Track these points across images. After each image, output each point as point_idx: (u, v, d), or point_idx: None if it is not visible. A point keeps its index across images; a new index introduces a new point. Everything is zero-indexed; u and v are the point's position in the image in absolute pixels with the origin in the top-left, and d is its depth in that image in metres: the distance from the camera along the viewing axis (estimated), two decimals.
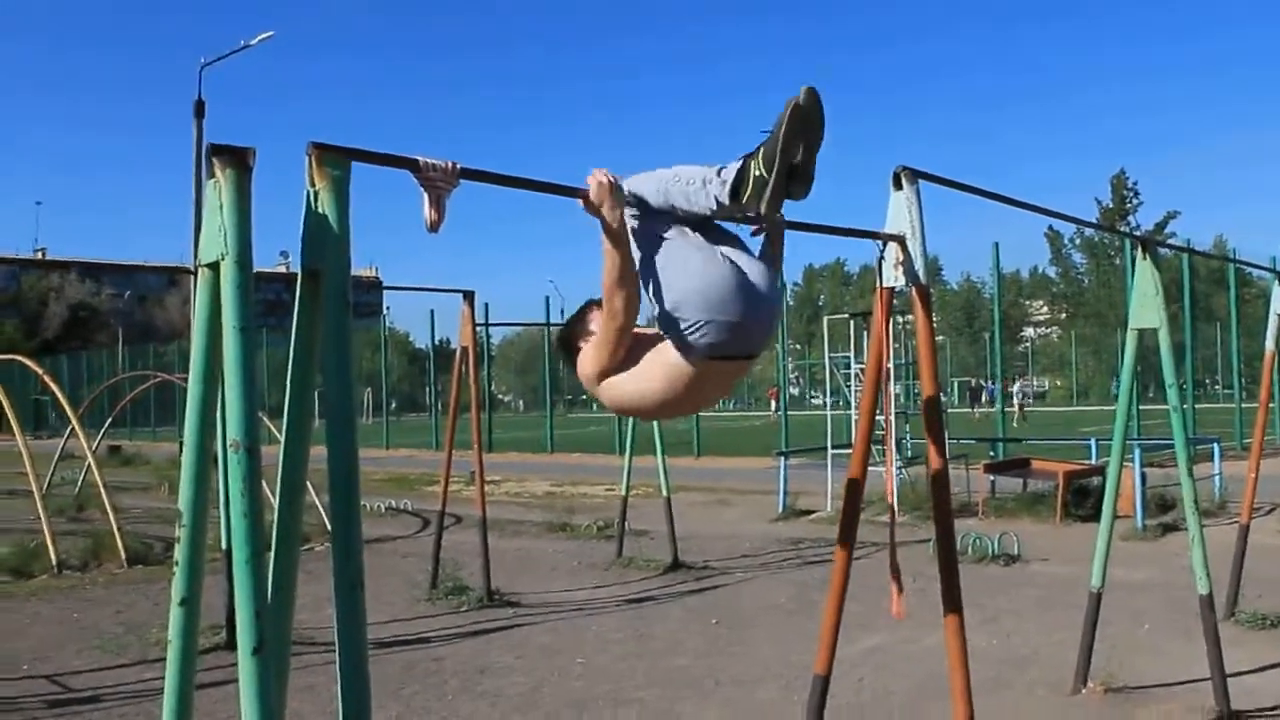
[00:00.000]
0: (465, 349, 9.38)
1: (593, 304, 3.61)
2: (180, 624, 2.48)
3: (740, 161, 3.26)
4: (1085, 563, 6.57)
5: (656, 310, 3.30)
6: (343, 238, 2.40)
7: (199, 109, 24.34)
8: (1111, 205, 65.77)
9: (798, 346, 78.10)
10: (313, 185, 2.40)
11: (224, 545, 6.92)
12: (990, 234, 76.51)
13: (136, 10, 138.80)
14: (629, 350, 3.38)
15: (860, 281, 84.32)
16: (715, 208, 3.31)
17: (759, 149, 3.22)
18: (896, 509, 5.82)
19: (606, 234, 3.21)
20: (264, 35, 27.88)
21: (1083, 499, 13.01)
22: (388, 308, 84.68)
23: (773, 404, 44.58)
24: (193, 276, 2.54)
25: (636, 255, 3.32)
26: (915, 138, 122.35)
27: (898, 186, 3.99)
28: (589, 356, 3.45)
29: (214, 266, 2.35)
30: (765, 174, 3.20)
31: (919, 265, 3.97)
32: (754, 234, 3.58)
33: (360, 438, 2.48)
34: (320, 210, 2.39)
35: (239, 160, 2.30)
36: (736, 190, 3.25)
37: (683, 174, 3.38)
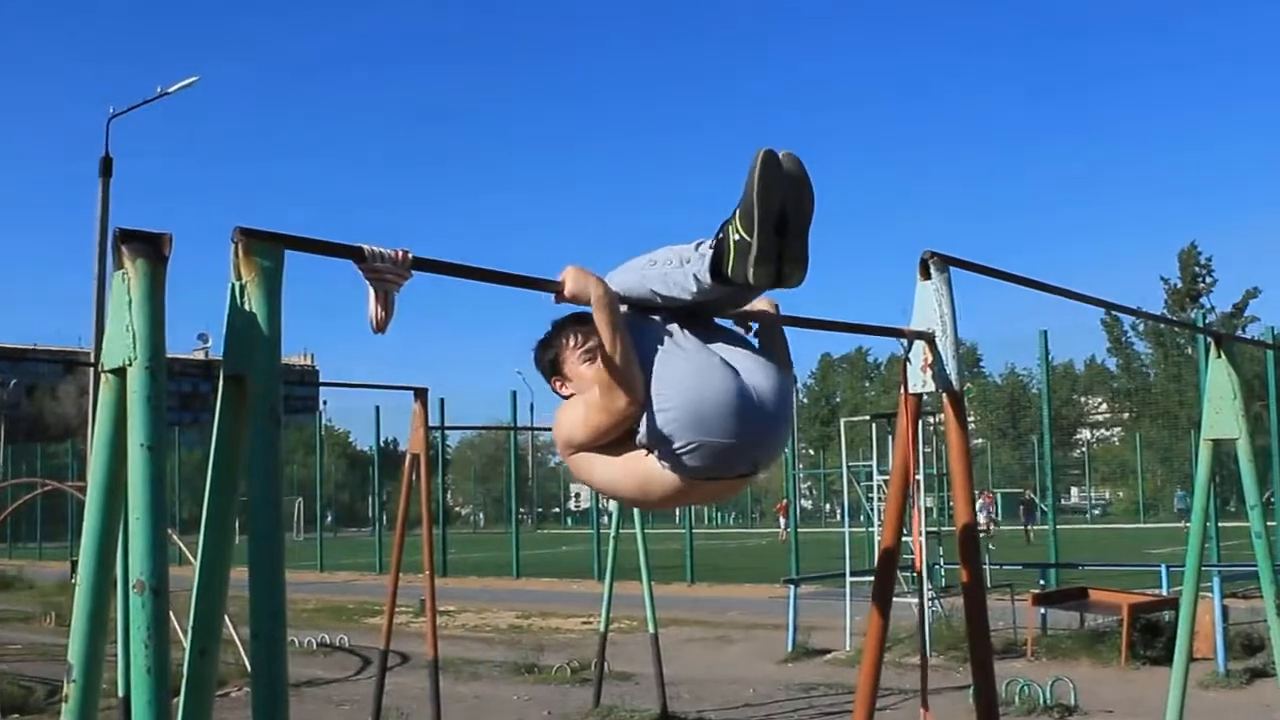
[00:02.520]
0: (416, 456, 9.38)
1: (571, 325, 3.64)
2: None
3: (719, 231, 3.33)
4: (1156, 716, 6.53)
5: (644, 428, 3.33)
6: (273, 339, 2.42)
7: (105, 166, 24.47)
8: (1181, 285, 66.47)
9: (811, 452, 78.08)
10: (239, 278, 2.42)
11: (120, 693, 6.85)
12: (1038, 318, 77.14)
13: (31, 55, 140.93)
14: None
15: (884, 375, 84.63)
16: (696, 289, 3.37)
17: (735, 211, 3.29)
18: (928, 650, 5.79)
19: (599, 317, 3.32)
20: (187, 81, 28.19)
21: (1152, 637, 12.95)
22: (324, 402, 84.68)
23: (781, 520, 44.36)
24: (93, 377, 2.55)
25: None
26: (944, 213, 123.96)
27: (925, 276, 4.04)
28: (568, 417, 3.50)
29: (119, 372, 2.36)
30: (745, 235, 3.24)
31: (951, 367, 4.00)
32: (751, 333, 3.64)
33: (289, 558, 2.48)
34: (247, 307, 2.41)
35: (152, 249, 2.32)
36: (718, 264, 3.30)
37: (659, 256, 3.47)
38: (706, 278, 3.33)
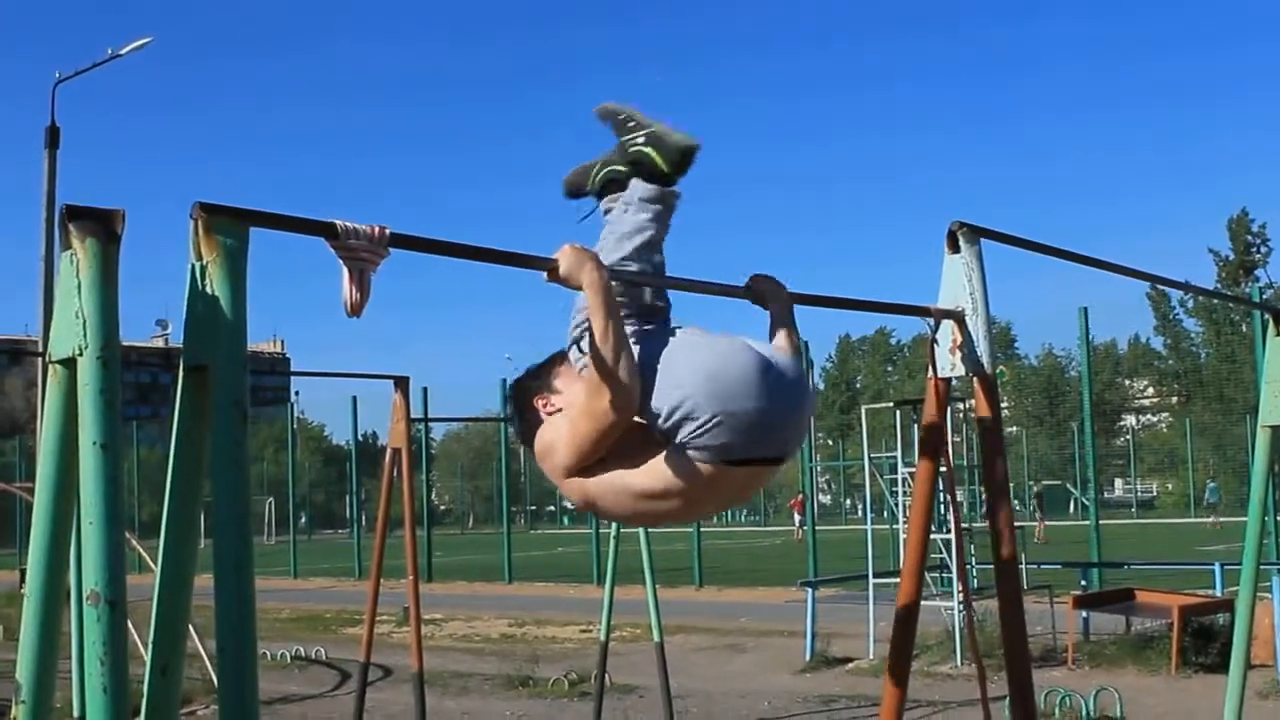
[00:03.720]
0: (397, 450, 9.37)
1: (561, 359, 3.69)
2: None
3: (621, 160, 3.79)
4: None
5: (661, 415, 3.35)
6: (238, 325, 2.42)
7: (52, 137, 24.43)
8: (1233, 256, 66.43)
9: (829, 442, 78.21)
10: (199, 258, 2.42)
11: (75, 713, 6.87)
12: (1077, 294, 76.99)
13: None
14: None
15: (908, 358, 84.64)
16: (651, 210, 3.71)
17: (620, 143, 3.80)
18: (965, 655, 5.78)
19: (593, 301, 3.35)
20: (140, 42, 28.14)
21: (1205, 642, 12.95)
22: (297, 393, 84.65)
23: (797, 517, 44.37)
24: (41, 366, 2.55)
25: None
26: (975, 186, 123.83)
27: (953, 249, 4.03)
28: (549, 435, 3.54)
29: (69, 363, 2.36)
30: (647, 130, 3.74)
31: (982, 348, 4.00)
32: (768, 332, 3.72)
33: (260, 563, 2.48)
34: (209, 290, 2.41)
35: (103, 227, 2.32)
36: (650, 170, 3.70)
37: (614, 220, 3.76)
38: (652, 187, 3.68)
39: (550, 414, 3.59)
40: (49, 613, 2.48)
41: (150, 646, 2.48)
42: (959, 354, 4.03)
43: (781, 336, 3.73)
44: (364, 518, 36.54)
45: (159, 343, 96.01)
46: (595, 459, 3.44)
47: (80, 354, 2.31)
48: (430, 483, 44.60)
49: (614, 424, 3.35)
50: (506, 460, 33.94)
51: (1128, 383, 77.49)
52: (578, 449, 3.42)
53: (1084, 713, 10.23)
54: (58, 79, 26.34)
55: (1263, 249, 66.85)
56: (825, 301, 3.95)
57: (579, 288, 3.36)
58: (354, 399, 34.08)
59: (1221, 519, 45.08)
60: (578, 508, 3.69)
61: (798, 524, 43.01)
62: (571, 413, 3.47)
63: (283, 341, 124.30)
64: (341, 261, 2.73)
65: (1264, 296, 41.85)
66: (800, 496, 38.76)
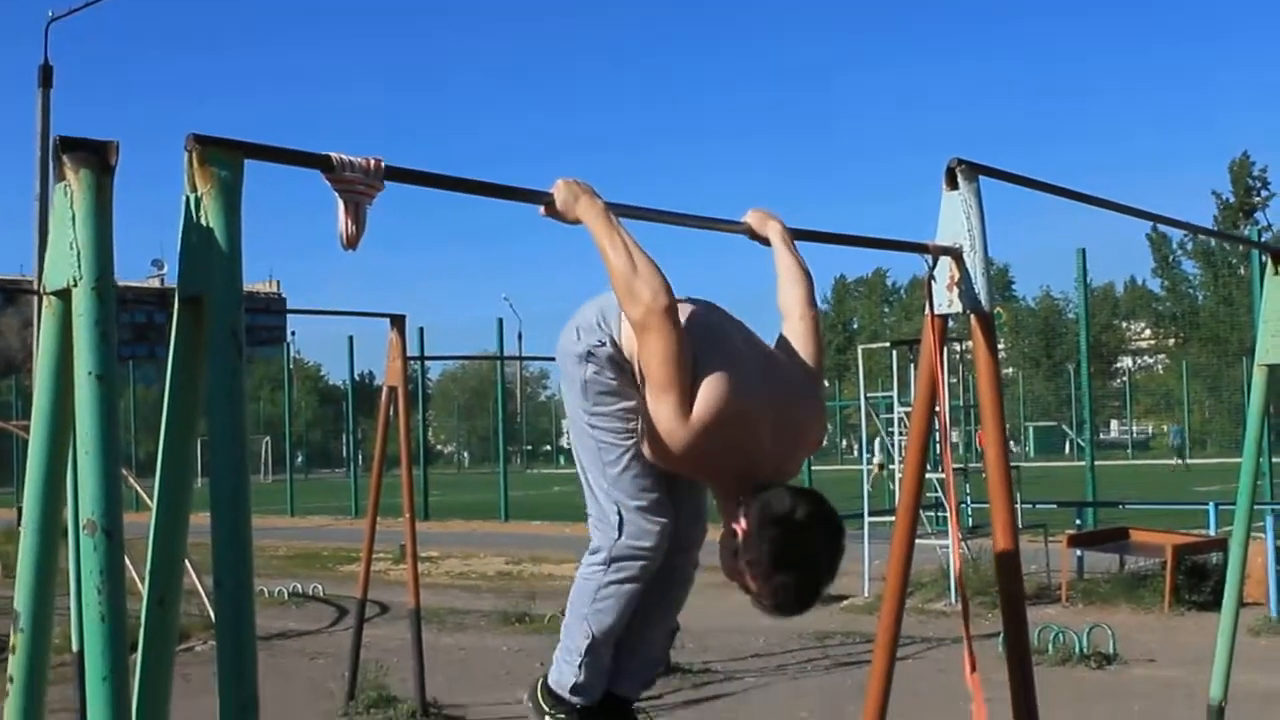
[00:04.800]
0: (393, 389, 9.38)
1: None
2: None
3: None
4: (1203, 665, 6.57)
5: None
6: (232, 256, 2.41)
7: (45, 76, 24.25)
8: (1233, 199, 66.26)
9: (826, 384, 78.18)
10: (193, 190, 2.41)
11: (75, 646, 6.89)
12: (1075, 236, 76.78)
13: None
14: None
15: (905, 299, 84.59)
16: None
17: None
18: (959, 593, 5.80)
19: (594, 228, 3.37)
20: None
21: (1198, 581, 13.03)
22: (293, 333, 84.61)
23: None
24: (36, 301, 2.54)
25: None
26: (973, 126, 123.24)
27: (952, 186, 4.02)
28: (655, 414, 3.42)
29: (64, 294, 2.35)
30: None
31: (979, 286, 3.99)
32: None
33: (257, 501, 2.49)
34: (203, 222, 2.40)
35: (98, 159, 2.31)
36: None
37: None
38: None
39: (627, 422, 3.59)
40: (45, 542, 2.49)
41: (147, 577, 2.49)
42: (956, 291, 4.02)
43: (788, 264, 3.78)
44: (360, 457, 36.60)
45: (155, 283, 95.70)
46: (690, 384, 3.38)
47: (75, 285, 2.31)
48: (426, 422, 44.71)
49: (680, 338, 3.34)
50: (503, 400, 33.96)
51: (1125, 325, 77.45)
52: (676, 388, 3.36)
53: (1077, 649, 10.30)
54: (51, 17, 26.12)
55: (1263, 192, 66.72)
56: (822, 237, 3.94)
57: (576, 221, 3.37)
58: (350, 338, 34.12)
59: (1187, 461, 45.59)
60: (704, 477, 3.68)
61: None
62: (650, 376, 3.41)
63: (278, 282, 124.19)
64: (337, 194, 2.73)
65: (1263, 238, 41.78)
66: None
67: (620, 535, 3.62)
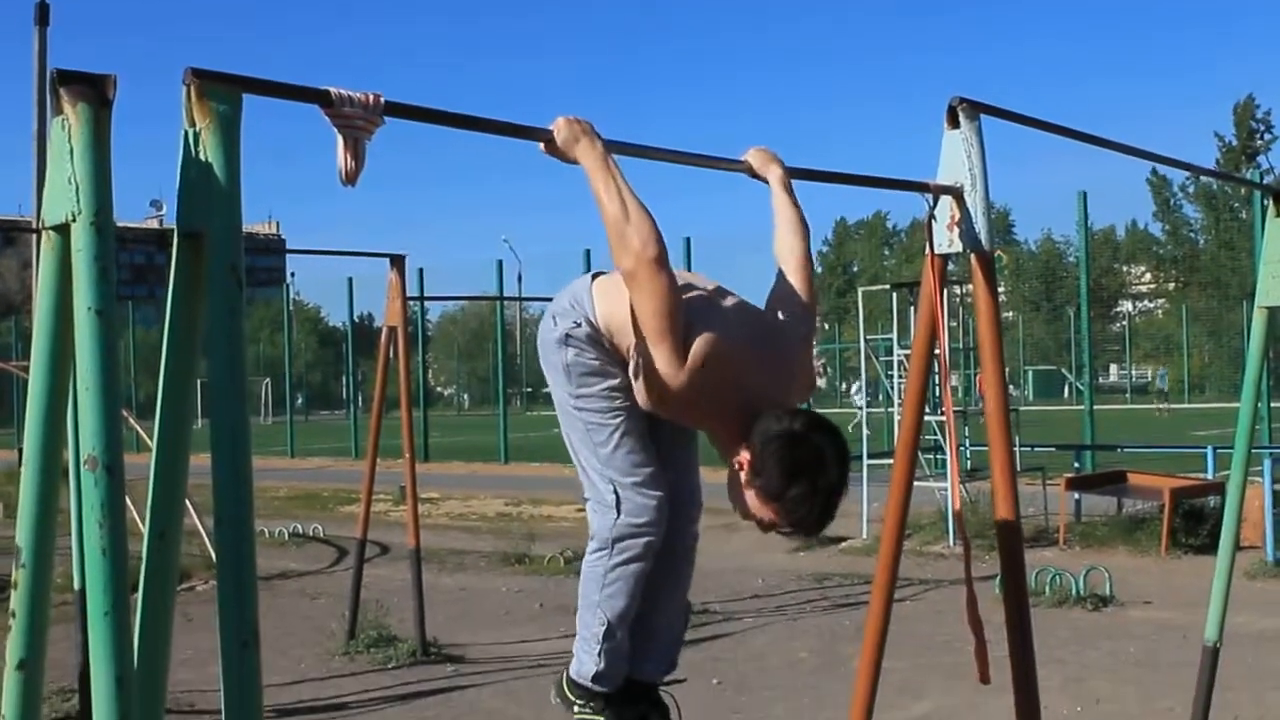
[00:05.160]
0: (393, 329, 9.38)
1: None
2: (18, 693, 2.48)
3: None
4: (1199, 607, 6.62)
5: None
6: (232, 191, 2.40)
7: (42, 13, 24.15)
8: (1236, 142, 65.98)
9: (825, 326, 78.11)
10: (192, 125, 2.40)
11: (76, 585, 6.92)
12: (1076, 179, 76.57)
13: None
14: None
15: (905, 241, 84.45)
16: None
17: None
18: (958, 535, 5.82)
19: (591, 171, 3.36)
20: None
21: (1195, 524, 13.09)
22: (292, 274, 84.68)
23: None
24: (35, 238, 2.54)
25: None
26: (974, 67, 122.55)
27: (953, 124, 4.00)
28: (656, 354, 3.40)
29: (62, 229, 2.34)
30: None
31: (980, 225, 3.98)
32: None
33: (257, 442, 2.49)
34: (202, 157, 2.39)
35: (95, 92, 2.29)
36: None
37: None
38: None
39: (631, 356, 3.55)
40: (46, 479, 2.49)
41: (148, 513, 2.49)
42: (957, 230, 4.01)
43: (787, 210, 3.79)
44: (360, 398, 36.64)
45: (154, 223, 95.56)
46: (684, 329, 3.39)
47: (74, 220, 2.30)
48: (426, 363, 44.70)
49: (671, 285, 3.36)
50: (503, 342, 33.95)
51: (1125, 268, 77.29)
52: (671, 334, 3.36)
53: (1074, 591, 10.35)
54: None
55: (1266, 135, 66.42)
56: (822, 176, 3.93)
57: (575, 161, 3.36)
58: (350, 280, 34.08)
59: (1171, 406, 45.75)
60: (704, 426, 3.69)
61: None
62: (645, 326, 3.40)
63: (278, 223, 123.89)
64: (336, 130, 2.72)
65: (1265, 181, 41.65)
66: None
67: (619, 514, 3.64)
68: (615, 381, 3.60)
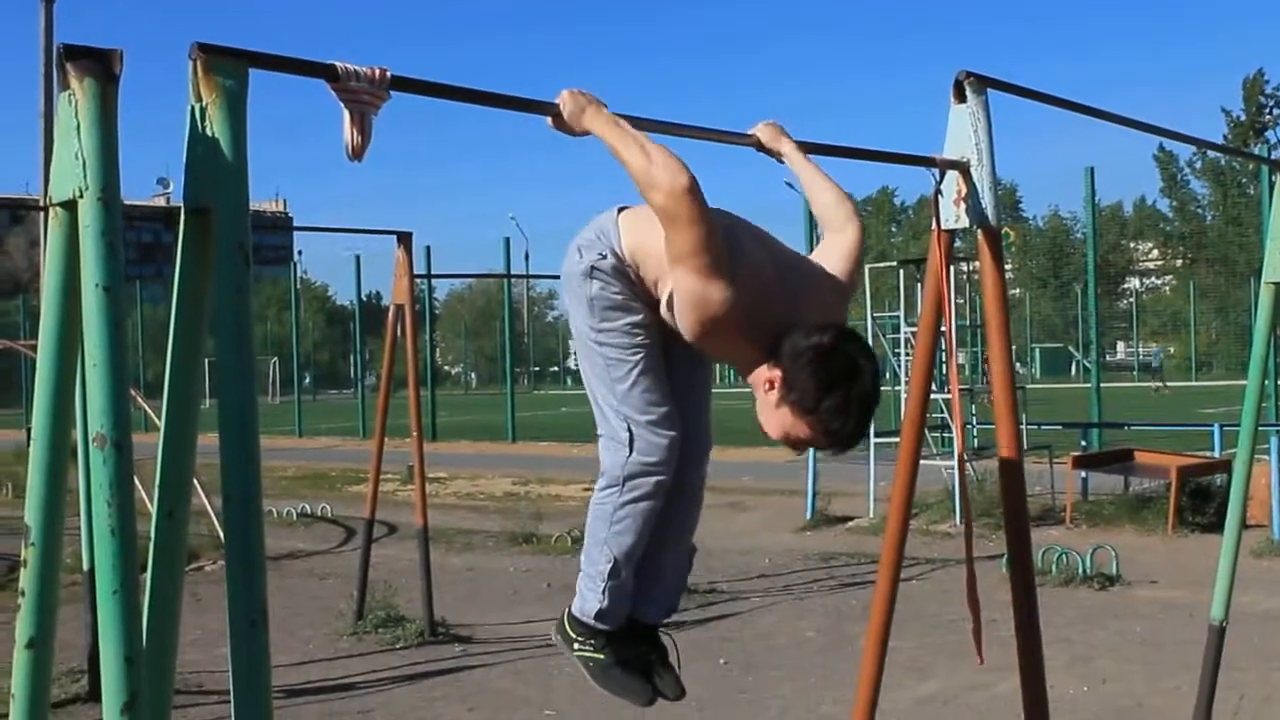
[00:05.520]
0: (400, 307, 9.37)
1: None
2: (28, 672, 2.49)
3: None
4: (1205, 587, 6.60)
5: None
6: (238, 167, 2.39)
7: None
8: (1245, 117, 65.75)
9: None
10: (198, 100, 2.39)
11: (85, 565, 6.94)
12: (1083, 155, 76.30)
13: None
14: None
15: (912, 218, 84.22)
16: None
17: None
18: (964, 515, 5.82)
19: (604, 133, 3.33)
20: None
21: (1202, 503, 13.08)
22: (299, 252, 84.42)
23: None
24: (42, 215, 2.53)
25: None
26: (981, 41, 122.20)
27: (960, 99, 3.99)
28: (694, 277, 3.34)
29: (70, 205, 2.33)
30: None
31: (987, 200, 3.97)
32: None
33: (265, 422, 2.49)
34: (208, 132, 2.38)
35: (102, 67, 2.28)
36: None
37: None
38: None
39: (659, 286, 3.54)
40: (55, 457, 2.49)
41: (156, 491, 2.49)
42: (963, 205, 4.00)
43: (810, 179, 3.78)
44: (367, 378, 36.67)
45: (160, 201, 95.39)
46: (724, 256, 3.34)
47: (81, 195, 2.29)
48: (434, 342, 44.72)
49: (705, 212, 3.30)
50: (510, 320, 33.97)
51: (1132, 245, 77.11)
52: (713, 254, 3.30)
53: (1080, 570, 10.35)
54: None
55: (1275, 110, 66.17)
56: (828, 151, 3.91)
57: (584, 132, 3.35)
58: (357, 257, 34.08)
59: (1168, 384, 45.68)
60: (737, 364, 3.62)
61: None
62: (686, 250, 3.33)
63: (285, 201, 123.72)
64: (342, 104, 2.71)
65: (1273, 155, 41.54)
66: None
67: (631, 452, 3.60)
68: (638, 317, 3.55)
